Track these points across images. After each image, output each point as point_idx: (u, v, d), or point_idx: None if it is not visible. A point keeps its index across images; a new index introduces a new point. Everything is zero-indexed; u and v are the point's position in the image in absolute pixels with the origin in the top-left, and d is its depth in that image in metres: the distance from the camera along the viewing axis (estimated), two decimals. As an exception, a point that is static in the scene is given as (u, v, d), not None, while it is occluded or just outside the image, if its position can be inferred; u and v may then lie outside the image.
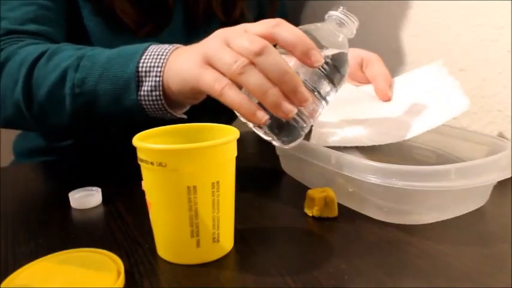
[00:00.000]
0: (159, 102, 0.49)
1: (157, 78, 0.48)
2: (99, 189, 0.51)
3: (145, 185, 0.38)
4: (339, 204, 0.46)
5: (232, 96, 0.41)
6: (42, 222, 0.47)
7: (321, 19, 0.49)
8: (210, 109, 0.55)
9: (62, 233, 0.45)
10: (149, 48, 0.50)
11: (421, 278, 0.35)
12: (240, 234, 0.41)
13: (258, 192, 0.53)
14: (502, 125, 0.65)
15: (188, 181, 0.35)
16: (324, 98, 0.45)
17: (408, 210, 0.44)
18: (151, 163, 0.35)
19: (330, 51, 0.45)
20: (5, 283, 0.34)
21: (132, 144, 0.37)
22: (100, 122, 0.55)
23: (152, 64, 0.49)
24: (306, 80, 0.44)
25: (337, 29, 0.47)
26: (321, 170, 0.49)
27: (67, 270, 0.35)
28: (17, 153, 0.80)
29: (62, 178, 0.62)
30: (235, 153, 0.38)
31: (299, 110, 0.43)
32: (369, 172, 0.43)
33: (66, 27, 0.65)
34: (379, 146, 0.54)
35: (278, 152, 0.61)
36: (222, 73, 0.42)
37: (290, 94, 0.40)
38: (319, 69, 0.44)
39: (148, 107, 0.50)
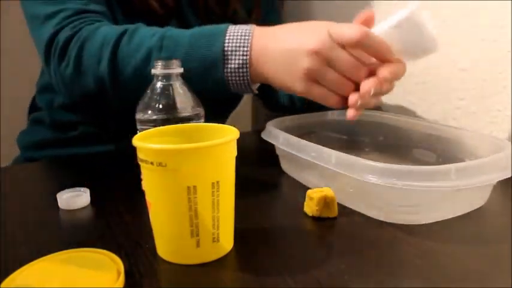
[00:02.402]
0: (245, 78, 0.56)
1: (245, 57, 0.55)
2: (87, 190, 0.51)
3: (145, 185, 0.38)
4: (339, 204, 0.46)
5: (337, 105, 0.53)
6: (42, 222, 0.47)
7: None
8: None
9: (62, 232, 0.45)
10: (229, 29, 0.56)
11: (420, 278, 0.35)
12: (240, 234, 0.41)
13: (258, 192, 0.53)
14: (502, 125, 0.65)
15: (188, 181, 0.35)
16: None
17: (408, 210, 0.44)
18: (151, 163, 0.35)
19: None
20: (5, 283, 0.34)
21: (131, 143, 0.37)
22: None
23: (237, 44, 0.56)
24: None
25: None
26: (321, 170, 0.50)
27: (67, 270, 0.35)
28: (22, 147, 0.80)
29: (61, 178, 0.62)
30: (235, 153, 0.38)
31: None
32: (369, 172, 0.43)
33: None
34: (378, 146, 0.54)
35: (278, 152, 0.61)
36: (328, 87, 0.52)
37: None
38: None
39: (234, 81, 0.57)
